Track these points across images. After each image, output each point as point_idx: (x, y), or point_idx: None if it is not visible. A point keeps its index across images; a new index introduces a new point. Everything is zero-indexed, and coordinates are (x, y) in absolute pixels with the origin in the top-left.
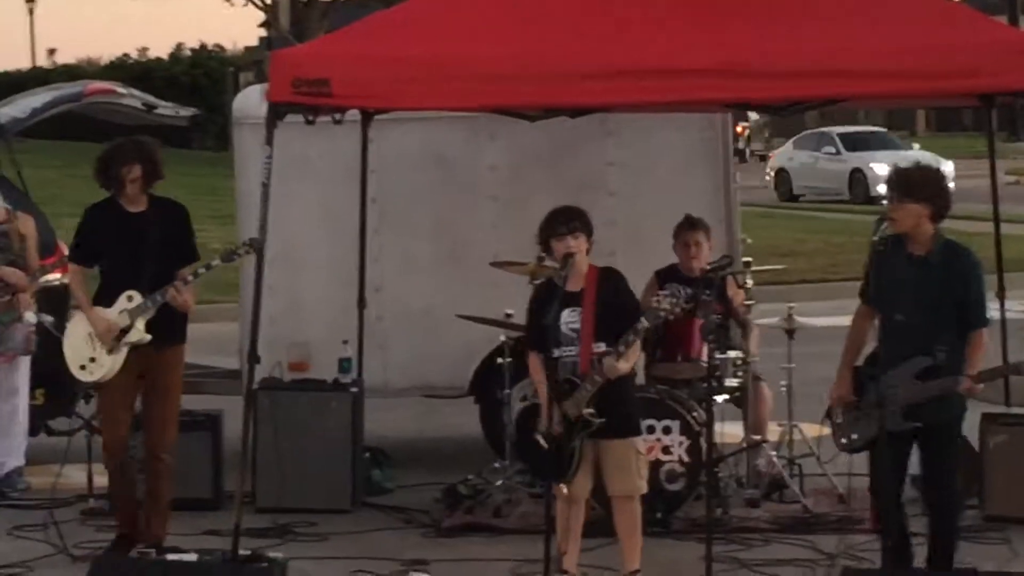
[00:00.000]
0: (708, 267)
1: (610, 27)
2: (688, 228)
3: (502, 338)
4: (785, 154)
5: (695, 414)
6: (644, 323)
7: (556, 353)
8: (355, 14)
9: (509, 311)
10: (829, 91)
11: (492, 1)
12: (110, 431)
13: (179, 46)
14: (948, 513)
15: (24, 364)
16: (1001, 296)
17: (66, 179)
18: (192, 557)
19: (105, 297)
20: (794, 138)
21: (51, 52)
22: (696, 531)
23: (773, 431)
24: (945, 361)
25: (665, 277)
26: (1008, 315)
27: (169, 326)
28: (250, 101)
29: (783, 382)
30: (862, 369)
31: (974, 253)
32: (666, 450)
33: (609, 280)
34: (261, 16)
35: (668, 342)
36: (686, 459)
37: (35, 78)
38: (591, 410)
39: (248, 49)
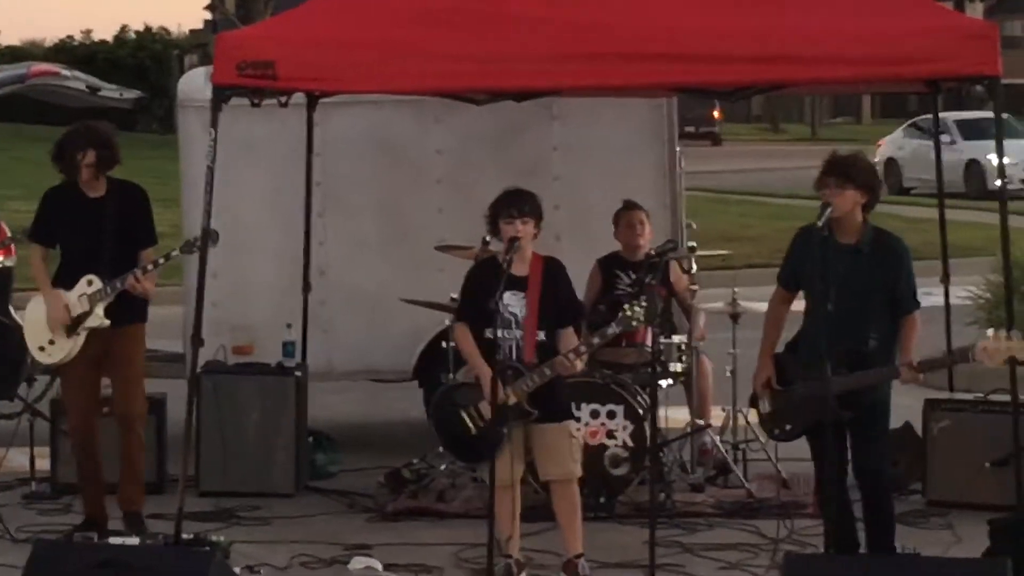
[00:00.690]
0: (652, 252)
1: (556, 11)
2: (629, 209)
3: (447, 322)
4: (894, 142)
5: (639, 399)
6: (613, 328)
7: (497, 334)
8: None
9: (454, 295)
10: (775, 76)
11: None
12: (74, 416)
13: (124, 28)
14: (882, 493)
15: None
16: (946, 283)
17: (10, 161)
18: (134, 540)
19: (65, 278)
20: (904, 124)
21: None
22: (640, 515)
23: (717, 416)
24: (877, 349)
25: (608, 265)
26: (952, 301)
27: (129, 307)
28: (195, 84)
29: (728, 367)
30: (782, 356)
31: (903, 240)
32: (610, 435)
33: (553, 271)
34: None
35: None
36: (630, 444)
37: None
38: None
39: (193, 32)
